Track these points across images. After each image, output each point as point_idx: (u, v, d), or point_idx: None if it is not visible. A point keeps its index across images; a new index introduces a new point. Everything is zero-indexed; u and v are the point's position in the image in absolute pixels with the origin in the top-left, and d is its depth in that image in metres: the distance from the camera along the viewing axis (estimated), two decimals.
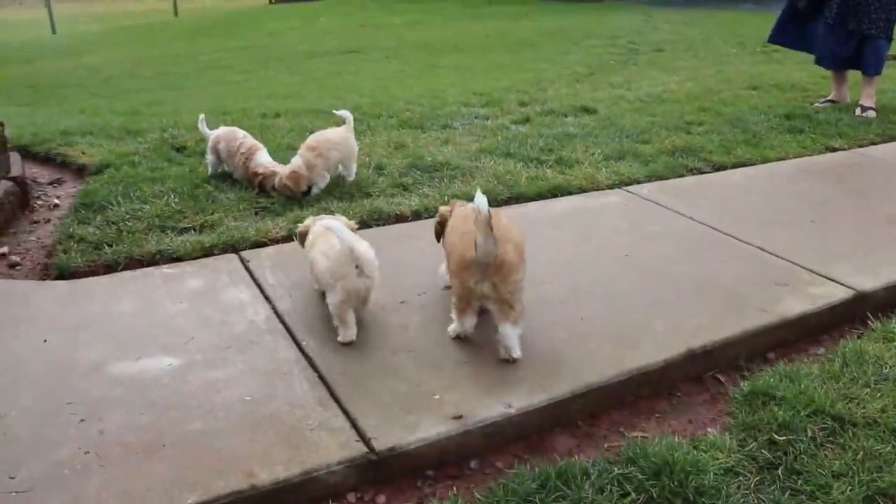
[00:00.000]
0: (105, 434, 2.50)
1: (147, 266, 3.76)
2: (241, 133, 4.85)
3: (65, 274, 3.71)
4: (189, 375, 2.81)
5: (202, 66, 14.32)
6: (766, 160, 5.47)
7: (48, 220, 4.38)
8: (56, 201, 4.65)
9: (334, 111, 5.03)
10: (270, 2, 33.42)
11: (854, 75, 7.13)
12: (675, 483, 2.35)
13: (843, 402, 2.74)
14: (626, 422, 2.79)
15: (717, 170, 5.30)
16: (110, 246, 3.90)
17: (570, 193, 4.72)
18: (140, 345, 3.02)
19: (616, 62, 11.24)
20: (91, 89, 11.85)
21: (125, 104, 8.92)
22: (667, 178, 5.05)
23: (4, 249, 3.96)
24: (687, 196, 4.67)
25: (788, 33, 7.24)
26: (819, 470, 2.43)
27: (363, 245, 3.09)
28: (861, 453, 2.49)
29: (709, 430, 2.72)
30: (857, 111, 6.76)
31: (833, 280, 3.55)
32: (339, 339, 3.03)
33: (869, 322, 3.39)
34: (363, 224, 4.18)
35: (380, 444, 2.46)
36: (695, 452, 2.49)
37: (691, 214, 4.34)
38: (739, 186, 4.93)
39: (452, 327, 3.06)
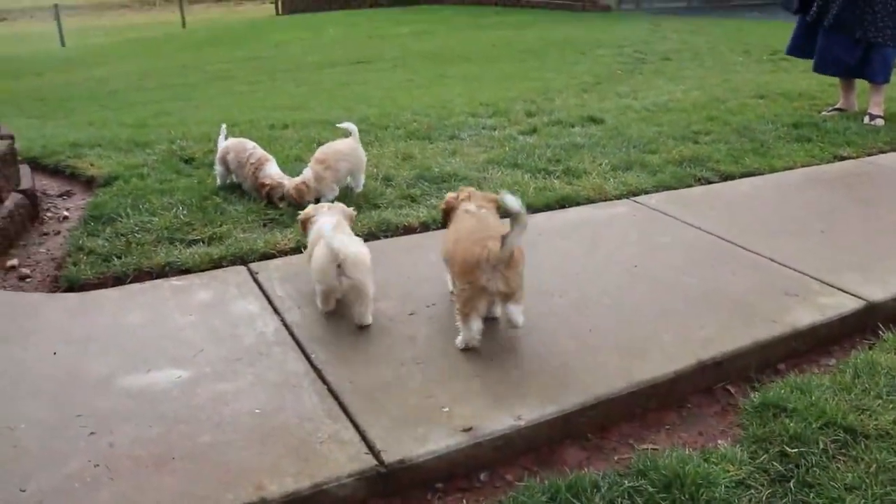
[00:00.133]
0: (115, 447, 2.50)
1: (156, 278, 3.77)
2: (250, 144, 4.87)
3: (74, 286, 3.72)
4: (198, 388, 2.82)
5: (209, 77, 14.38)
6: (774, 169, 5.46)
7: (58, 233, 4.39)
8: (65, 213, 4.67)
9: (338, 125, 5.04)
10: (277, 13, 33.59)
11: (862, 83, 7.11)
12: (686, 496, 2.34)
13: (855, 413, 2.72)
14: (636, 434, 2.78)
15: (725, 179, 5.29)
16: (119, 258, 3.91)
17: (577, 204, 4.72)
18: (149, 357, 3.02)
19: (623, 71, 11.25)
20: (99, 101, 11.91)
21: (133, 116, 8.96)
22: (674, 188, 5.04)
23: (14, 261, 3.98)
24: (695, 206, 4.66)
25: (806, 47, 7.20)
26: (831, 483, 2.41)
27: (355, 245, 3.24)
28: (874, 466, 2.47)
29: (719, 442, 2.70)
30: (866, 119, 6.74)
31: (843, 290, 3.54)
32: (319, 308, 3.33)
33: (880, 332, 3.37)
34: (371, 235, 4.19)
35: (389, 456, 2.45)
36: (706, 465, 2.47)
37: (700, 224, 4.33)
38: (747, 196, 4.92)
39: (460, 339, 3.07)
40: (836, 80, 7.42)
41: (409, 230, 4.31)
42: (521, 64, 12.94)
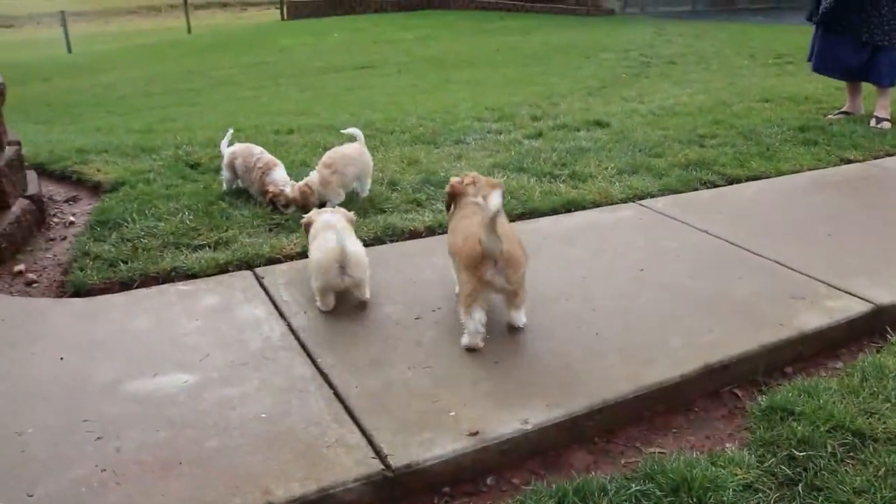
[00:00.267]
0: (121, 452, 2.50)
1: (162, 283, 3.77)
2: (257, 149, 4.87)
3: (81, 291, 3.73)
4: (205, 393, 2.82)
5: (215, 82, 14.43)
6: (780, 173, 5.45)
7: (64, 238, 4.40)
8: (72, 219, 4.68)
9: (343, 130, 5.04)
10: (282, 18, 33.65)
11: (868, 86, 7.10)
12: (694, 500, 2.33)
13: (864, 417, 2.71)
14: (643, 438, 2.77)
15: (731, 183, 5.28)
16: (126, 263, 3.92)
17: (583, 208, 4.71)
18: (156, 362, 3.02)
19: (628, 75, 11.26)
20: (106, 107, 11.96)
21: (139, 122, 8.99)
22: (680, 192, 5.03)
23: (21, 267, 3.99)
24: (701, 210, 4.66)
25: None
26: (840, 486, 2.40)
27: (355, 245, 3.45)
28: (883, 469, 2.46)
29: (727, 445, 2.70)
30: (872, 122, 6.73)
31: (850, 294, 3.53)
32: (318, 306, 3.43)
33: (888, 336, 3.35)
34: (377, 240, 4.19)
35: (396, 460, 2.45)
36: (713, 468, 2.47)
37: (706, 228, 4.32)
38: (754, 200, 4.91)
39: (465, 339, 3.10)
40: (842, 83, 7.41)
41: (414, 234, 4.31)
42: (526, 68, 12.96)
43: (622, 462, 2.64)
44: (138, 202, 4.67)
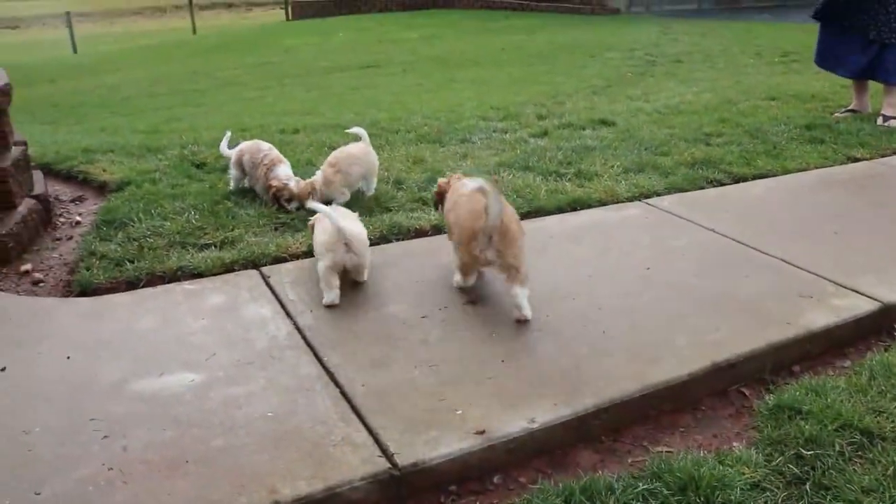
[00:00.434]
0: (128, 451, 2.50)
1: (168, 282, 3.78)
2: (265, 146, 4.88)
3: (87, 291, 3.73)
4: (211, 392, 2.82)
5: (220, 82, 14.45)
6: (787, 171, 5.43)
7: (70, 238, 4.41)
8: (78, 218, 4.69)
9: (348, 130, 5.04)
10: (287, 18, 33.68)
11: (875, 84, 7.07)
12: (702, 499, 2.33)
13: (872, 415, 2.70)
14: (650, 437, 2.76)
15: (738, 181, 5.26)
16: (132, 262, 3.92)
17: (589, 206, 4.70)
18: (162, 361, 3.02)
19: (633, 74, 11.24)
20: (111, 108, 11.98)
21: (145, 122, 9.00)
22: (687, 191, 5.02)
23: (28, 266, 4.00)
24: (708, 208, 4.64)
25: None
26: (848, 485, 2.39)
27: (357, 226, 3.62)
28: (891, 468, 2.45)
29: (734, 444, 2.69)
30: (879, 121, 6.70)
31: (858, 292, 3.51)
32: (324, 301, 3.47)
33: (895, 334, 3.34)
34: (383, 239, 4.19)
35: (402, 459, 2.45)
36: (721, 467, 2.46)
37: (712, 227, 4.31)
38: (760, 198, 4.90)
39: (456, 278, 3.54)
40: (848, 81, 7.40)
41: (420, 233, 4.31)
42: (531, 67, 12.95)
43: (629, 461, 2.63)
44: (144, 202, 4.67)
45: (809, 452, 2.54)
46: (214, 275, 3.82)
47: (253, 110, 10.01)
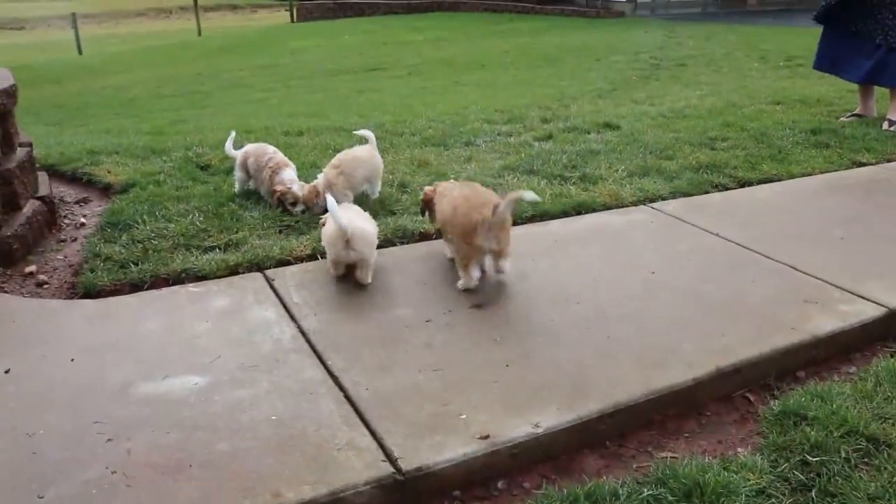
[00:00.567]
0: (132, 454, 2.50)
1: (173, 285, 3.77)
2: (270, 149, 4.88)
3: (91, 293, 3.73)
4: (215, 395, 2.81)
5: (225, 84, 14.48)
6: (792, 176, 5.42)
7: (75, 239, 4.41)
8: (82, 220, 4.69)
9: (355, 131, 5.04)
10: (292, 20, 33.74)
11: (881, 88, 7.06)
12: None
13: (878, 422, 2.69)
14: (655, 442, 2.75)
15: (743, 186, 5.25)
16: (136, 265, 3.92)
17: (594, 210, 4.70)
18: (166, 364, 3.02)
19: (638, 78, 11.24)
20: (116, 109, 12.01)
21: (150, 123, 9.02)
22: (691, 195, 5.01)
23: (32, 268, 4.00)
24: (713, 212, 4.64)
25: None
26: (854, 492, 2.38)
27: (364, 223, 3.73)
28: None
29: (739, 450, 2.68)
30: (885, 125, 6.69)
31: (864, 297, 3.50)
32: (331, 273, 3.75)
33: None
34: (388, 242, 4.18)
35: (407, 464, 2.44)
36: (726, 473, 2.45)
37: (718, 231, 4.30)
38: (766, 202, 4.88)
39: (461, 283, 3.61)
40: (853, 85, 7.38)
41: (425, 237, 4.31)
42: (536, 70, 12.96)
43: (634, 466, 2.62)
44: (149, 204, 4.67)
45: (815, 459, 2.53)
46: (219, 277, 3.81)
47: (258, 112, 10.03)
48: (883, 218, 4.58)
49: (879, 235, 4.29)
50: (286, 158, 4.83)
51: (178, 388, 2.86)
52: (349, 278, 3.74)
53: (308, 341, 3.19)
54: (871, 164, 5.74)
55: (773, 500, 2.38)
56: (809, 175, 5.46)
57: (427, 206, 4.01)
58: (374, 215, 4.44)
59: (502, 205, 3.42)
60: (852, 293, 3.55)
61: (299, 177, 4.78)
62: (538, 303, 3.48)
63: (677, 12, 25.29)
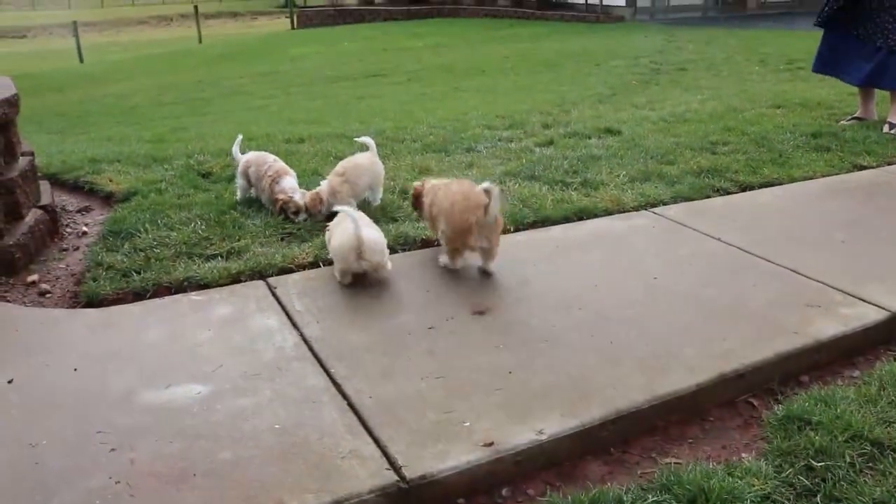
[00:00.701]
0: (135, 463, 2.50)
1: (175, 293, 3.77)
2: (271, 157, 4.88)
3: (94, 301, 3.73)
4: (218, 404, 2.81)
5: (226, 91, 14.50)
6: (793, 179, 5.42)
7: (77, 248, 4.42)
8: (84, 229, 4.69)
9: (356, 138, 5.04)
10: (293, 27, 33.80)
11: (881, 91, 7.06)
12: None
13: (882, 426, 2.68)
14: (659, 448, 2.74)
15: (744, 190, 5.25)
16: (138, 273, 3.92)
17: (595, 216, 4.69)
18: (169, 372, 3.02)
19: (638, 82, 11.25)
20: (118, 117, 12.03)
21: (151, 131, 9.03)
22: (693, 199, 5.01)
23: (34, 277, 4.00)
24: (714, 217, 4.64)
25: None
26: (859, 497, 2.37)
27: (373, 233, 3.77)
28: None
29: (743, 455, 2.67)
30: (885, 128, 6.68)
31: (866, 301, 3.50)
32: (339, 280, 3.77)
33: None
34: (389, 249, 4.17)
35: (410, 472, 2.44)
36: (730, 479, 2.44)
37: (719, 236, 4.30)
38: (767, 207, 4.88)
39: (444, 261, 3.90)
40: (854, 88, 7.39)
41: (427, 243, 4.30)
42: (537, 76, 12.97)
43: (638, 472, 2.61)
44: (150, 212, 4.68)
45: (820, 464, 2.52)
46: (221, 285, 3.82)
47: (259, 119, 10.04)
48: (884, 221, 4.57)
49: (881, 238, 4.28)
50: (286, 166, 4.83)
51: (180, 396, 2.86)
52: (352, 286, 3.74)
53: (310, 349, 3.18)
54: (872, 168, 5.74)
55: None
56: (810, 179, 5.46)
57: (417, 200, 4.15)
58: (376, 222, 4.44)
59: (491, 205, 3.60)
60: (854, 297, 3.55)
61: (301, 185, 4.78)
62: (540, 309, 3.48)
63: (677, 16, 25.31)
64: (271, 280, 3.84)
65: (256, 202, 4.86)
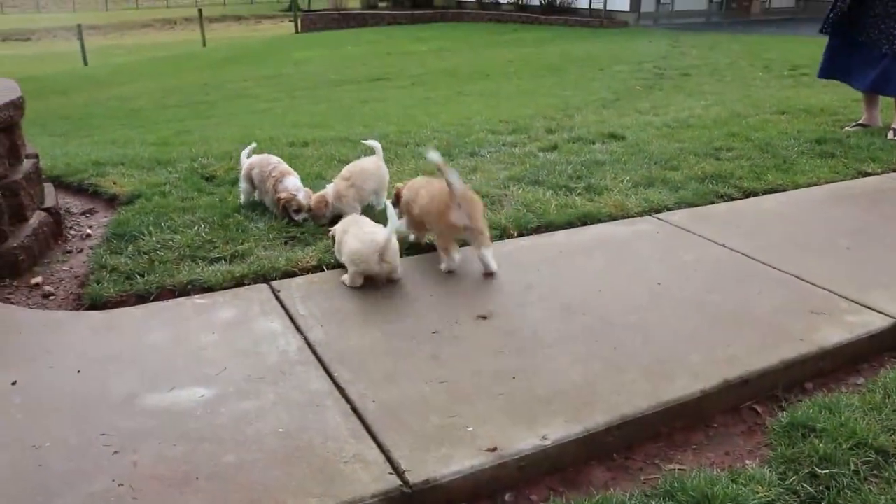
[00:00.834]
0: (139, 466, 2.49)
1: (179, 296, 3.77)
2: (274, 159, 4.88)
3: (97, 304, 3.73)
4: (221, 407, 2.81)
5: (230, 95, 14.52)
6: (797, 186, 5.41)
7: (81, 250, 4.42)
8: (88, 231, 4.70)
9: (363, 141, 5.04)
10: (297, 31, 33.84)
11: (886, 98, 7.06)
12: None
13: (887, 434, 2.68)
14: (663, 454, 2.74)
15: (748, 196, 5.25)
16: (142, 276, 3.92)
17: (599, 221, 4.69)
18: (172, 375, 3.02)
19: (642, 88, 11.25)
20: (122, 119, 12.05)
21: (155, 134, 9.04)
22: (697, 205, 5.00)
23: (38, 279, 4.00)
24: (718, 223, 4.63)
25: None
26: None
27: (386, 234, 3.77)
28: None
29: (747, 462, 2.67)
30: (890, 134, 6.68)
31: (871, 308, 3.49)
32: (347, 284, 3.79)
33: None
34: None
35: (414, 476, 2.44)
36: (734, 486, 2.44)
37: (723, 242, 4.30)
38: (771, 213, 4.88)
39: (444, 265, 3.92)
40: (858, 94, 7.39)
41: (430, 248, 4.30)
42: (540, 81, 12.97)
43: (642, 479, 2.61)
44: (154, 215, 4.68)
45: (824, 471, 2.51)
46: (225, 289, 3.81)
47: (262, 122, 10.06)
48: (889, 228, 4.57)
49: (886, 245, 4.27)
50: (290, 168, 4.83)
51: (184, 399, 2.86)
52: (355, 290, 3.74)
53: (314, 353, 3.18)
54: (877, 174, 5.74)
55: None
56: (815, 185, 5.46)
57: (398, 199, 4.30)
58: None
59: (448, 179, 3.77)
60: (859, 304, 3.54)
61: (304, 187, 4.78)
62: (544, 313, 3.48)
63: (680, 22, 25.33)
64: (275, 283, 3.84)
65: (260, 206, 4.86)
